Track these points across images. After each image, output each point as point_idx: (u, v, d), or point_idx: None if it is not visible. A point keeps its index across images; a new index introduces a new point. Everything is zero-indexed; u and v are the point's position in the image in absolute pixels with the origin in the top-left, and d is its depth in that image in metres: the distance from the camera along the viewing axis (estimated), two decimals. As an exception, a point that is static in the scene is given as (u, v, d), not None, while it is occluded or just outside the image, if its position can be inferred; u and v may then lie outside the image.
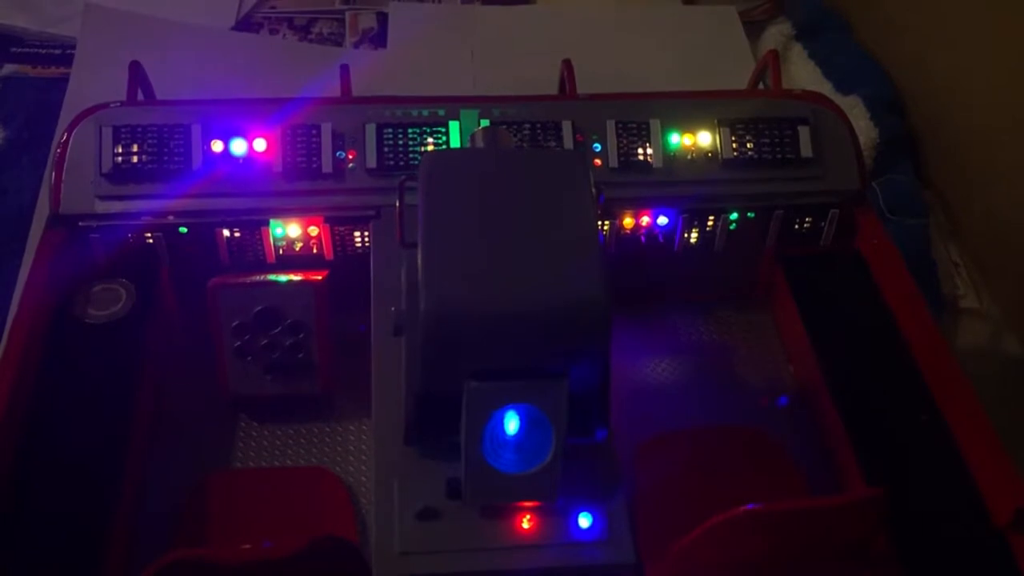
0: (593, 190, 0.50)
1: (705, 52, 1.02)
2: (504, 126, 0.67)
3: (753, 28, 1.07)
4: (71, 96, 0.89)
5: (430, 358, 0.47)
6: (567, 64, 0.75)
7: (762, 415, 0.68)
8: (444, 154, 0.60)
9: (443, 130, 0.67)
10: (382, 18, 1.04)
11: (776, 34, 1.05)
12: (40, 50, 0.98)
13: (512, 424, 0.48)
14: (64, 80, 0.91)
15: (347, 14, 1.05)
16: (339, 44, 1.02)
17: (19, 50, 0.98)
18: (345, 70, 0.73)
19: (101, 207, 0.65)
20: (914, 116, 0.97)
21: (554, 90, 0.76)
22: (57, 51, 0.97)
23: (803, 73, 1.02)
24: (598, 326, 0.47)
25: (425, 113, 0.67)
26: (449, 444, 0.49)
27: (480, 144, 0.57)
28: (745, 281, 0.73)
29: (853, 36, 1.06)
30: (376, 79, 0.84)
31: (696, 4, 1.10)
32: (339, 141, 0.66)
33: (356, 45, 1.02)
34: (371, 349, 0.57)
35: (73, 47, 0.94)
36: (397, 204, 0.53)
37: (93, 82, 0.88)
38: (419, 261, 0.47)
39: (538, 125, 0.67)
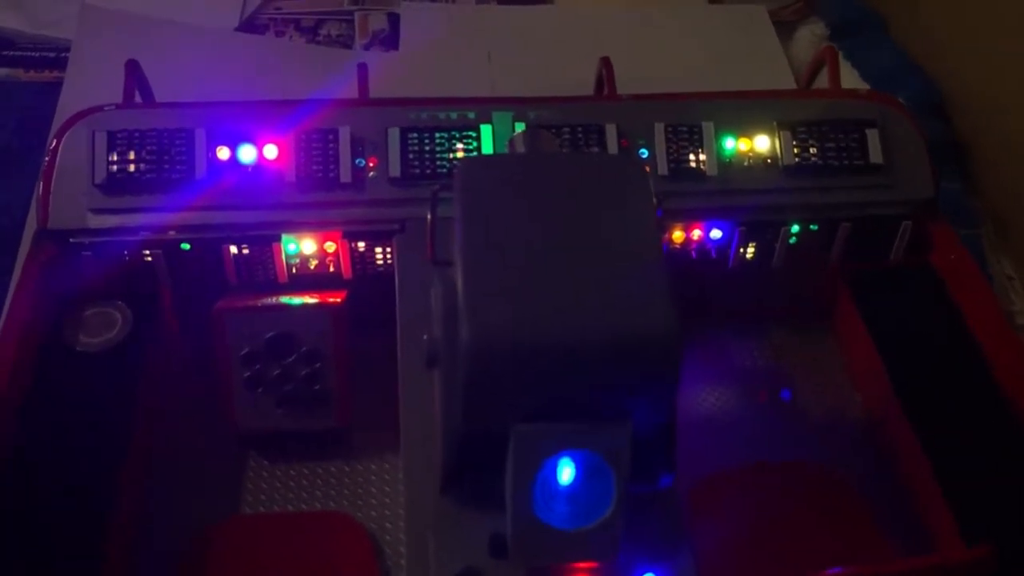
0: (654, 200, 0.46)
1: (735, 53, 1.00)
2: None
3: (783, 29, 1.04)
4: (65, 101, 0.86)
5: (473, 396, 0.42)
6: (606, 62, 0.72)
7: (826, 450, 0.63)
8: (483, 160, 0.57)
9: (474, 134, 0.64)
10: (393, 19, 1.02)
11: (808, 35, 1.03)
12: (33, 53, 0.95)
13: (566, 472, 0.43)
14: (58, 85, 0.88)
15: (356, 15, 1.03)
16: (348, 46, 1.00)
17: (11, 53, 0.95)
18: (363, 69, 0.70)
19: (94, 221, 0.61)
20: (959, 120, 0.94)
21: (581, 93, 0.73)
22: (51, 54, 0.94)
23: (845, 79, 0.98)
24: (667, 360, 0.42)
25: (454, 116, 0.64)
26: (492, 493, 0.45)
27: (521, 149, 0.53)
28: (804, 300, 0.70)
29: (890, 36, 1.03)
30: (388, 83, 0.82)
31: (722, 3, 1.08)
32: (359, 147, 0.63)
33: (366, 47, 1.00)
34: (398, 381, 0.53)
35: (68, 50, 0.91)
36: (429, 217, 0.50)
37: (89, 87, 0.85)
38: (459, 283, 0.42)
39: (579, 129, 0.64)
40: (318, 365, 0.60)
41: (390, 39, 1.00)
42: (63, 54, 0.92)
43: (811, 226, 0.65)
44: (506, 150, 0.54)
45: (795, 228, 0.65)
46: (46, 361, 0.58)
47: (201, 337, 0.61)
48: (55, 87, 0.89)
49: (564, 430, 0.42)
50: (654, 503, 0.47)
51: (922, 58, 0.97)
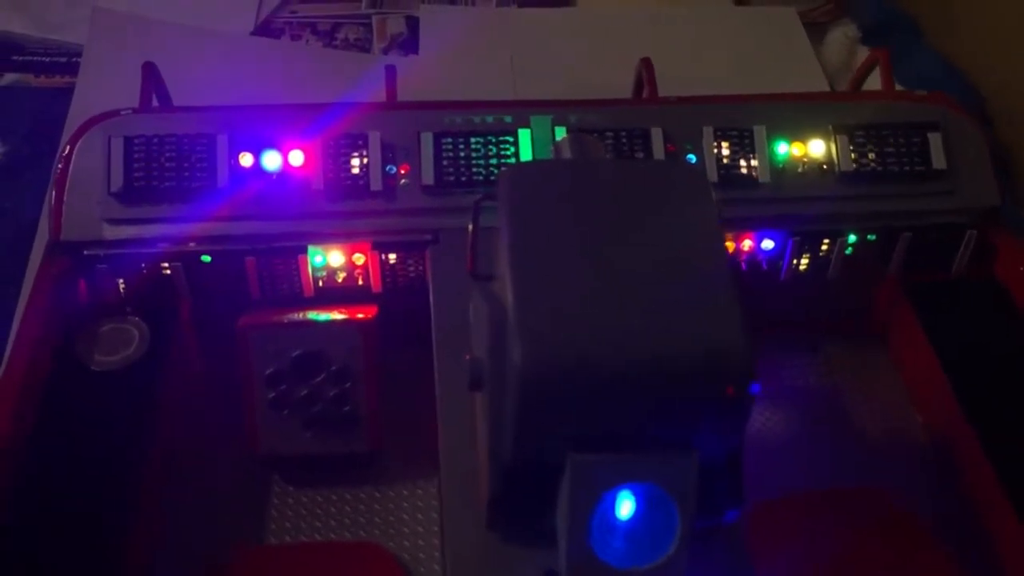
0: (715, 208, 0.43)
1: (765, 56, 0.98)
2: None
3: (814, 31, 1.03)
4: (76, 107, 0.86)
5: (525, 422, 0.39)
6: (646, 63, 0.69)
7: (884, 474, 0.61)
8: (529, 167, 0.54)
9: (511, 139, 0.61)
10: (412, 23, 1.01)
11: (840, 36, 1.01)
12: (44, 58, 0.95)
13: (626, 506, 0.40)
14: (69, 90, 0.88)
15: (374, 19, 1.02)
16: (366, 50, 0.99)
17: (21, 58, 0.95)
18: (391, 72, 0.68)
19: (110, 232, 0.60)
20: (1000, 126, 0.91)
21: (606, 96, 0.70)
22: (62, 59, 0.94)
23: (872, 78, 0.96)
24: (739, 383, 0.38)
25: (489, 120, 0.62)
26: (543, 527, 0.41)
27: (567, 155, 0.50)
28: (859, 314, 0.67)
29: (924, 38, 1.01)
30: (409, 87, 0.80)
31: (750, 4, 1.07)
32: (389, 153, 0.61)
33: (385, 51, 0.99)
34: (436, 401, 0.50)
35: (79, 54, 0.91)
36: (470, 228, 0.48)
37: (101, 92, 0.85)
38: (508, 300, 0.39)
39: (623, 133, 0.62)
40: (347, 385, 0.58)
41: (409, 43, 0.99)
42: (75, 59, 0.92)
43: (869, 236, 0.62)
44: (551, 156, 0.52)
45: (852, 238, 0.62)
46: (59, 379, 0.57)
47: (222, 355, 0.60)
48: (66, 92, 0.88)
49: (626, 461, 0.39)
50: (716, 537, 0.44)
51: (958, 61, 0.95)
